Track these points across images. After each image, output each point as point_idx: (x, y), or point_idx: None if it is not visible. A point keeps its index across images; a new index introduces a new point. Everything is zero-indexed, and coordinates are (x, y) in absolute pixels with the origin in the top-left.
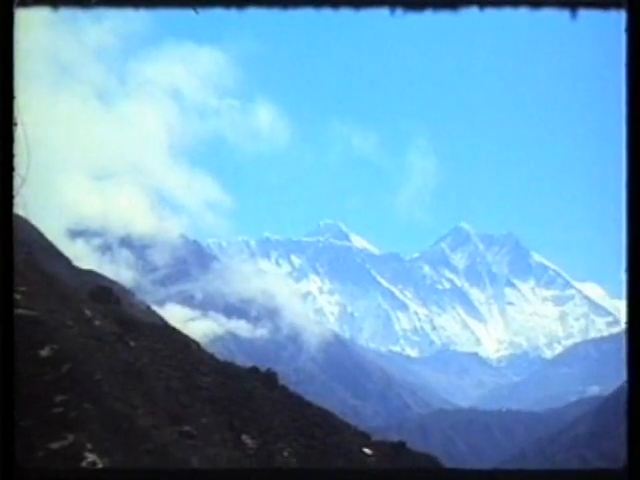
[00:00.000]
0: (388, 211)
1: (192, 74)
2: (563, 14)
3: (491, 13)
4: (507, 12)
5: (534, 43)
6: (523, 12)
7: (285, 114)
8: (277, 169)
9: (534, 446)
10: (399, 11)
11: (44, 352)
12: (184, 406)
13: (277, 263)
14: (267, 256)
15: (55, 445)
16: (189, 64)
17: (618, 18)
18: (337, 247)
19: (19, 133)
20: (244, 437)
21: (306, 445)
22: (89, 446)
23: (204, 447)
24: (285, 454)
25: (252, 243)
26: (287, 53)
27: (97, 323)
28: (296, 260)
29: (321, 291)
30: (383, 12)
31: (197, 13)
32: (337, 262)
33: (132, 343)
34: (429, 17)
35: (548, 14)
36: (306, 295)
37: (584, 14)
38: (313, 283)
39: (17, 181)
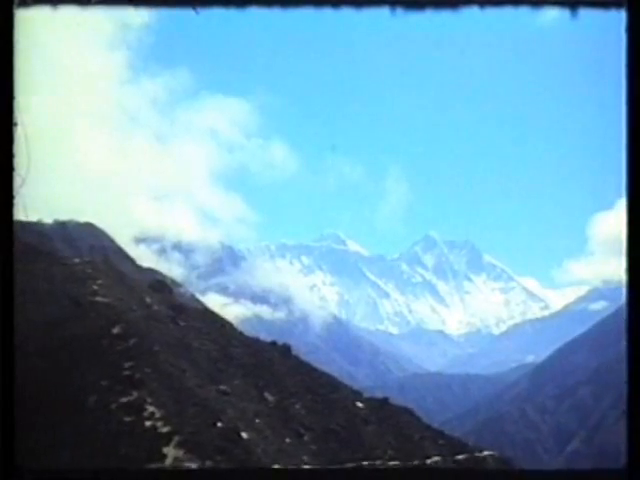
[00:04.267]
0: (374, 223)
1: (224, 119)
2: (563, 14)
3: (491, 13)
4: (507, 12)
5: (534, 43)
6: (523, 12)
7: (294, 150)
8: (290, 191)
9: (484, 401)
10: (399, 11)
11: (116, 329)
12: (221, 371)
13: (291, 262)
14: (283, 257)
15: (124, 399)
16: (222, 111)
17: (618, 18)
18: (336, 250)
19: (19, 133)
20: (266, 394)
21: (313, 400)
22: (149, 400)
23: (236, 402)
24: (297, 407)
25: (272, 247)
26: (297, 104)
27: (155, 308)
28: (305, 260)
29: (324, 284)
30: (383, 12)
31: (197, 13)
32: (336, 261)
33: (181, 323)
34: (428, 17)
35: (548, 14)
36: (312, 287)
37: (584, 14)
38: (318, 278)
39: (17, 181)
